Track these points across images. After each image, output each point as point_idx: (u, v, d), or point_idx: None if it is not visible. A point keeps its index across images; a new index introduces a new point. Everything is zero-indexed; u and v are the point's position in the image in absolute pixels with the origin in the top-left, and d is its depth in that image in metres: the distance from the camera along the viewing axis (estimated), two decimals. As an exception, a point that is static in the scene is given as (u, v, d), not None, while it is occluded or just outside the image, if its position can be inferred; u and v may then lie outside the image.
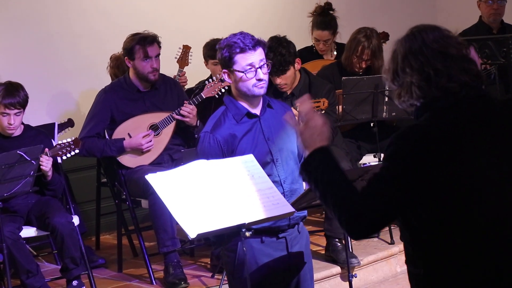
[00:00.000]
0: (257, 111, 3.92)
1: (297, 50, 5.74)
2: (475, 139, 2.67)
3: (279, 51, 5.52)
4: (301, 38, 6.31)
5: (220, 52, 3.86)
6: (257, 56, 3.82)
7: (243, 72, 3.80)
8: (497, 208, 2.64)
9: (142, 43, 5.84)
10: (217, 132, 3.83)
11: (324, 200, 2.75)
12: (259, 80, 3.82)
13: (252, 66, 3.80)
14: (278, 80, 5.65)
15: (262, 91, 3.87)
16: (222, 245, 3.87)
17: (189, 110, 5.85)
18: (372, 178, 2.70)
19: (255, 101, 3.91)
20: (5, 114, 5.42)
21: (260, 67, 3.82)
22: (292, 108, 5.68)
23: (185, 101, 5.90)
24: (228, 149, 3.82)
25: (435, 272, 2.68)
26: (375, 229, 2.72)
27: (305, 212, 3.99)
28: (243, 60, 3.80)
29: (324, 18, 6.97)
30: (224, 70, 3.88)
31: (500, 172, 2.66)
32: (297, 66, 5.69)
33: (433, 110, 2.70)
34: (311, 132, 2.83)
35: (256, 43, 3.83)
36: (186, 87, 6.54)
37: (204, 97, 5.90)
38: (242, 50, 3.79)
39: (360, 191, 2.70)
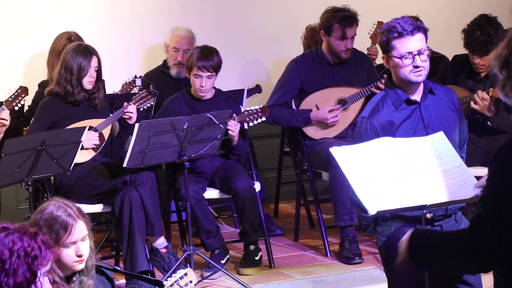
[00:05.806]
0: (417, 97, 3.80)
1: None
2: None
3: (487, 31, 5.36)
4: (501, 20, 6.05)
5: (380, 37, 3.80)
6: (416, 42, 3.71)
7: (399, 58, 3.71)
8: None
9: (343, 24, 5.80)
10: (374, 118, 3.77)
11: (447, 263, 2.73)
12: (416, 67, 3.72)
13: (409, 52, 3.70)
14: (477, 60, 5.48)
15: (420, 78, 3.74)
16: (374, 228, 3.80)
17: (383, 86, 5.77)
18: (481, 200, 2.58)
19: (414, 88, 3.80)
20: (198, 76, 5.57)
21: (419, 54, 3.71)
22: (479, 91, 5.50)
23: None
24: (384, 136, 3.75)
25: None
26: (503, 251, 2.56)
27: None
28: (400, 46, 3.70)
29: None
30: (383, 55, 3.81)
31: None
32: None
33: None
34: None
35: (415, 28, 3.71)
36: (376, 63, 6.47)
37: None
38: (400, 35, 3.70)
39: (475, 219, 2.58)
